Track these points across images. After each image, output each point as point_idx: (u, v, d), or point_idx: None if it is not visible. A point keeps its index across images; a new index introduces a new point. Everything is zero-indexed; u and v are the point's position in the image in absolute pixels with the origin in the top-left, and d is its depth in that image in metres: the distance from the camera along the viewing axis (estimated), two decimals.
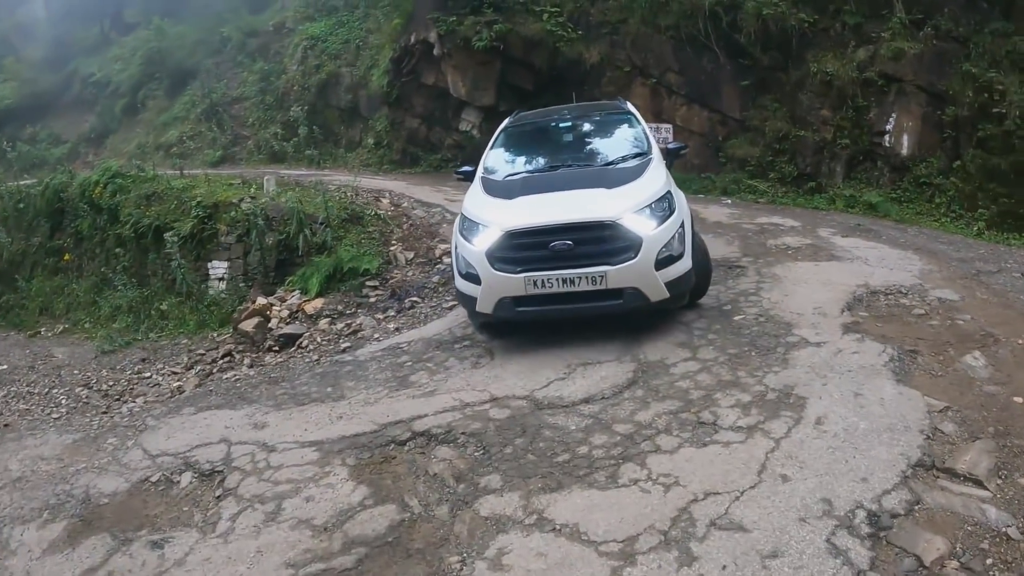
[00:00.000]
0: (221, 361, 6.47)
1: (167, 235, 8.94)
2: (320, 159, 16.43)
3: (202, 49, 22.52)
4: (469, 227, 5.26)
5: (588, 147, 6.45)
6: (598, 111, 7.06)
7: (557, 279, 4.84)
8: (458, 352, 5.39)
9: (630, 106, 6.98)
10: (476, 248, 5.07)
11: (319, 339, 6.30)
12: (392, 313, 6.67)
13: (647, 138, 6.12)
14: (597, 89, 13.01)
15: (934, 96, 9.90)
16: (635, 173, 5.47)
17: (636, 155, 5.86)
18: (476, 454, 3.81)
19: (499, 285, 4.95)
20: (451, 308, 6.52)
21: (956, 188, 9.35)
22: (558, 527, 3.08)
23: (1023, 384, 4.01)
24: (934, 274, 6.20)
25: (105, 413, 5.56)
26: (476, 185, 5.89)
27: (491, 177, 5.94)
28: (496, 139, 6.59)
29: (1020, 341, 4.60)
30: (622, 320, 5.16)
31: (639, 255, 4.79)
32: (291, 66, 19.30)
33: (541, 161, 6.16)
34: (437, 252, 8.25)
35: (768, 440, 3.56)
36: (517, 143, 6.61)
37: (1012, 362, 4.32)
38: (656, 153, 5.87)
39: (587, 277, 4.81)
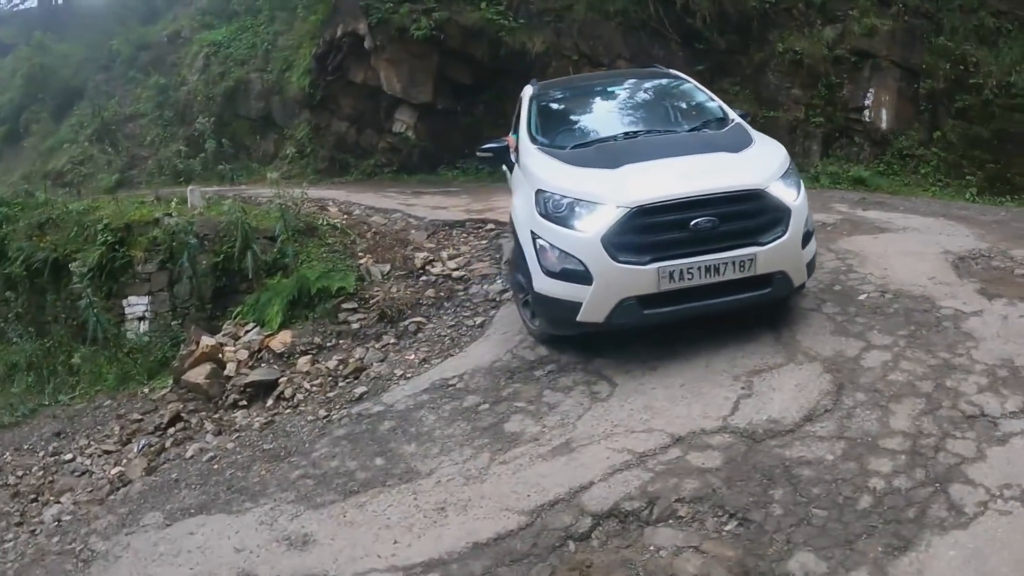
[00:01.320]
0: (172, 429, 4.84)
1: (73, 266, 7.16)
2: (233, 174, 14.69)
3: (89, 66, 20.34)
4: (562, 206, 4.06)
5: (660, 112, 5.49)
6: (644, 77, 6.19)
7: (700, 268, 3.85)
8: (550, 381, 4.13)
9: (676, 72, 6.19)
10: (582, 233, 3.93)
11: (307, 385, 4.88)
12: (391, 340, 5.38)
13: (717, 101, 5.35)
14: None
15: (907, 71, 9.87)
16: (743, 136, 4.62)
17: (718, 120, 5.05)
18: (734, 529, 2.64)
19: (621, 282, 3.85)
20: (482, 325, 5.36)
21: (939, 158, 9.37)
22: None
23: None
24: (991, 236, 5.86)
25: (19, 525, 3.95)
26: (539, 156, 4.70)
27: (556, 147, 4.80)
28: (530, 110, 5.41)
29: None
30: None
31: (788, 231, 3.97)
32: (191, 77, 17.29)
33: (611, 129, 5.05)
34: (417, 262, 6.97)
35: None
36: (562, 113, 5.60)
37: None
38: (738, 117, 5.08)
39: (734, 263, 3.88)
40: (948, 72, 9.37)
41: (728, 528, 2.68)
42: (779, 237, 3.95)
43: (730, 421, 3.40)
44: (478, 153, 5.75)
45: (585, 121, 5.54)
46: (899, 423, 3.21)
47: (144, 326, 7.34)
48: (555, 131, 5.22)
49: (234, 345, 5.62)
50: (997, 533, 2.44)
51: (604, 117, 5.55)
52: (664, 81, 5.91)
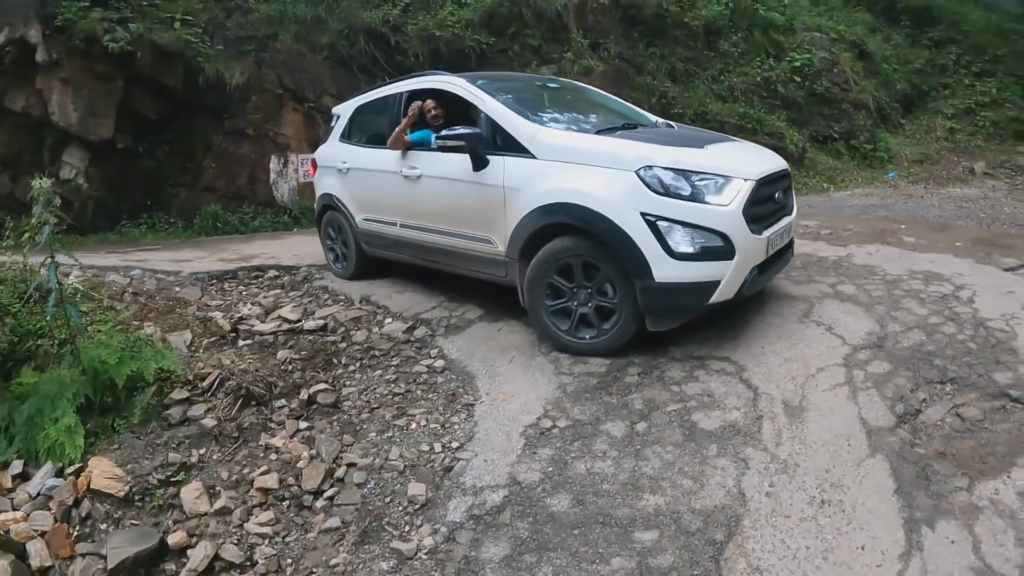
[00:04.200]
0: None
1: None
2: None
3: None
4: (691, 182, 3.66)
5: (610, 111, 5.30)
6: (547, 79, 6.06)
7: (780, 234, 4.11)
8: (658, 378, 3.69)
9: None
10: (724, 207, 3.64)
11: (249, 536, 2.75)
12: (303, 427, 3.49)
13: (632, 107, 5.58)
14: (241, 117, 10.33)
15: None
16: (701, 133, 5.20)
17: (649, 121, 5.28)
18: None
19: (754, 252, 3.80)
20: (452, 363, 4.02)
21: None
22: None
23: None
24: None
25: None
26: (594, 137, 4.20)
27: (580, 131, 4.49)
28: (515, 98, 4.62)
29: None
30: None
31: (794, 207, 4.57)
32: None
33: (584, 122, 4.83)
34: (221, 323, 4.87)
35: None
36: (537, 104, 4.87)
37: None
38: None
39: (787, 230, 4.31)
40: (653, 104, 10.65)
41: None
42: (793, 210, 4.48)
43: None
44: (437, 141, 4.59)
45: (568, 112, 4.97)
46: None
47: None
48: (551, 118, 4.60)
49: (13, 510, 2.92)
50: None
51: (572, 110, 5.10)
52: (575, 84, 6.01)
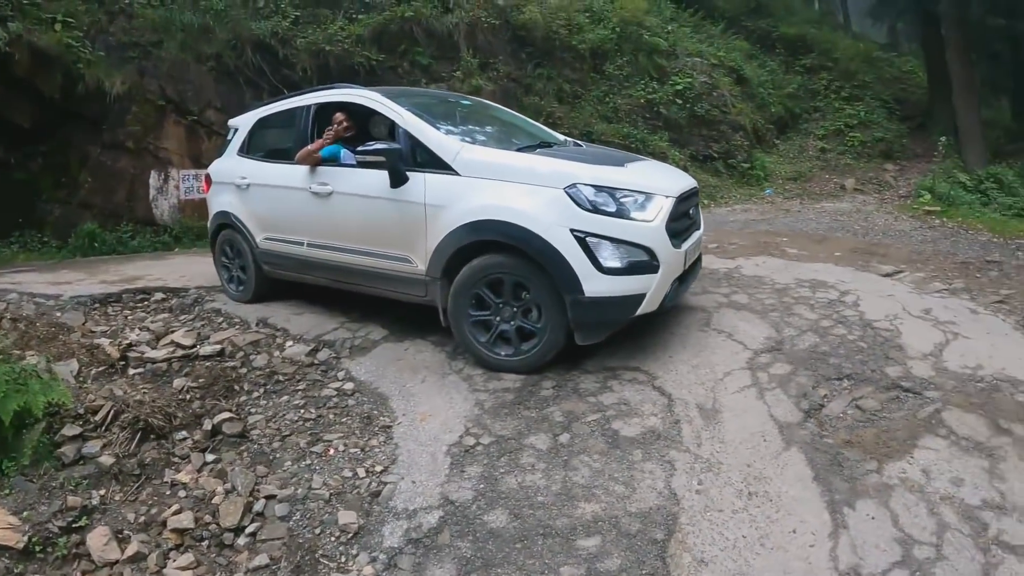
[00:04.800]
0: None
1: None
2: None
3: None
4: (617, 199, 3.75)
5: (520, 129, 5.32)
6: (452, 96, 6.14)
7: (693, 248, 4.29)
8: (575, 389, 3.69)
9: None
10: (649, 223, 3.77)
11: None
12: (209, 460, 3.24)
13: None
14: (121, 129, 9.67)
15: None
16: (615, 152, 5.32)
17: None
18: None
19: (676, 264, 3.96)
20: (364, 384, 3.84)
21: None
22: None
23: None
24: None
25: None
26: (526, 155, 4.17)
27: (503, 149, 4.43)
28: (418, 116, 4.39)
29: None
30: None
31: (702, 223, 4.80)
32: None
33: (500, 140, 4.84)
34: (109, 350, 4.47)
35: None
36: (440, 119, 4.62)
37: None
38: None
39: (698, 243, 4.51)
40: (541, 124, 10.99)
41: None
42: (701, 225, 4.69)
43: None
44: (356, 156, 4.31)
45: (482, 130, 4.96)
46: None
47: None
48: (471, 136, 4.60)
49: None
50: None
51: (486, 128, 5.07)
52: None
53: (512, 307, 3.90)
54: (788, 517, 2.66)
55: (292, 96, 5.53)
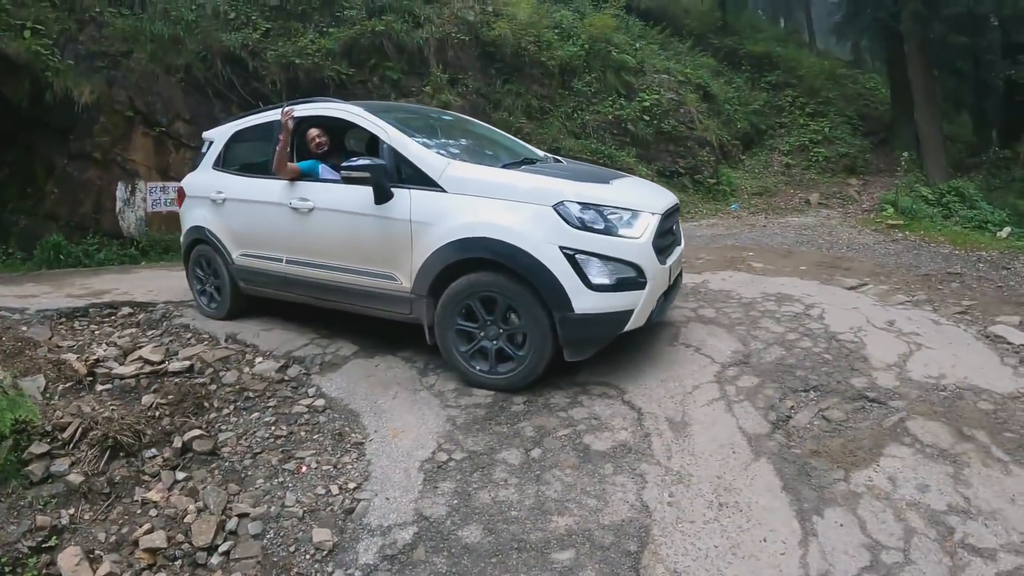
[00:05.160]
0: None
1: None
2: None
3: None
4: (605, 216, 3.75)
5: (500, 145, 5.26)
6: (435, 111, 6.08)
7: (676, 263, 4.33)
8: (546, 405, 3.73)
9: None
10: (636, 239, 3.78)
11: None
12: (180, 479, 3.20)
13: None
14: (88, 139, 9.56)
15: None
16: (597, 169, 5.36)
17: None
18: None
19: (660, 280, 3.95)
20: (332, 402, 3.79)
21: None
22: None
23: None
24: None
25: None
26: (511, 172, 4.08)
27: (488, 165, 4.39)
28: (401, 130, 4.33)
29: None
30: None
31: (682, 238, 4.83)
32: None
33: (483, 156, 4.82)
34: (76, 365, 4.40)
35: None
36: (423, 134, 4.54)
37: None
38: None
39: (679, 259, 4.52)
40: None
41: None
42: (682, 241, 4.73)
43: None
44: (342, 172, 4.17)
45: (464, 145, 4.87)
46: None
47: None
48: (454, 152, 4.49)
49: None
50: None
51: (468, 143, 5.00)
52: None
53: (499, 328, 3.88)
54: (759, 526, 2.71)
55: (270, 108, 5.43)
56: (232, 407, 3.99)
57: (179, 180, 10.02)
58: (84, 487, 3.18)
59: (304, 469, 3.35)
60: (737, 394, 3.77)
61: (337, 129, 4.97)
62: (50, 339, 4.96)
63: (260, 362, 4.56)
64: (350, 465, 3.37)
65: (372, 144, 4.91)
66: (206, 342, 4.98)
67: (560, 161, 5.32)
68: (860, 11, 16.71)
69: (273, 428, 3.72)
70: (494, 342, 3.91)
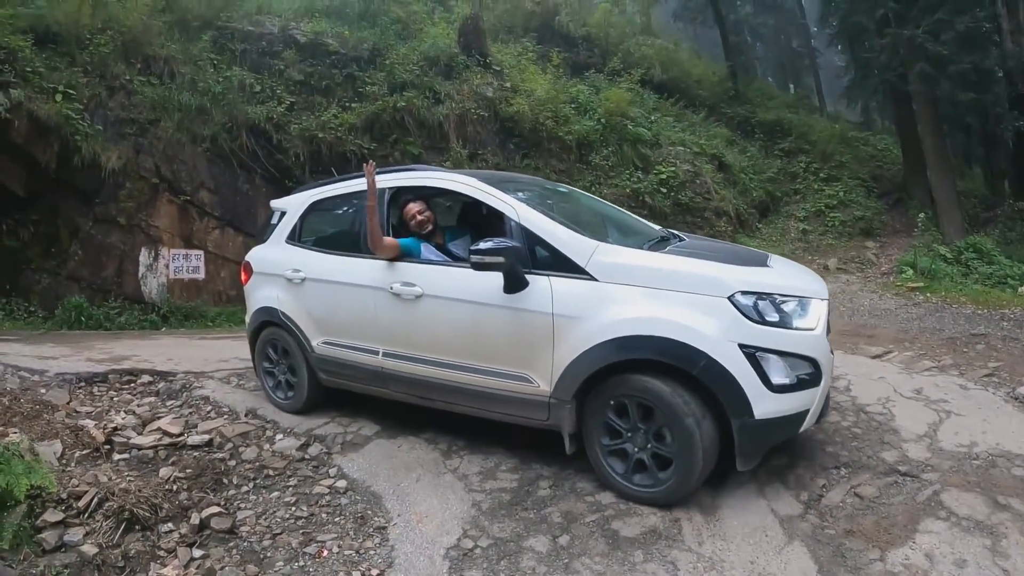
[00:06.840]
0: None
1: None
2: None
3: None
4: (778, 306, 3.33)
5: (623, 222, 4.81)
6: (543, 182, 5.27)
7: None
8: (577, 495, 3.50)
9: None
10: (812, 331, 3.38)
11: None
12: (196, 556, 3.14)
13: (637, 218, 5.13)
14: (113, 204, 9.80)
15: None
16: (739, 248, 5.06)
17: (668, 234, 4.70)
18: None
19: (831, 373, 3.57)
20: (358, 481, 3.83)
21: None
22: None
23: None
24: None
25: None
26: (665, 259, 3.56)
27: (636, 246, 3.86)
28: (516, 201, 3.85)
29: None
30: None
31: None
32: None
33: (614, 235, 4.31)
34: (94, 433, 4.38)
35: None
36: (549, 209, 3.99)
37: None
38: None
39: None
40: None
41: None
42: None
43: None
44: (473, 258, 3.53)
45: (592, 223, 4.39)
46: None
47: None
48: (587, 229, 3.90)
49: None
50: None
51: (593, 220, 4.55)
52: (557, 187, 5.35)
53: (648, 439, 3.43)
54: None
55: (351, 177, 4.88)
56: (251, 484, 3.93)
57: (201, 248, 10.36)
58: (98, 559, 3.11)
59: (325, 553, 3.26)
60: (768, 475, 3.66)
61: (437, 201, 4.48)
62: (68, 403, 4.97)
63: (280, 439, 4.51)
64: (373, 551, 3.27)
65: (472, 217, 4.47)
66: (226, 416, 4.93)
67: (683, 239, 4.50)
68: (868, 74, 17.05)
69: (293, 508, 3.64)
70: (647, 448, 3.44)
